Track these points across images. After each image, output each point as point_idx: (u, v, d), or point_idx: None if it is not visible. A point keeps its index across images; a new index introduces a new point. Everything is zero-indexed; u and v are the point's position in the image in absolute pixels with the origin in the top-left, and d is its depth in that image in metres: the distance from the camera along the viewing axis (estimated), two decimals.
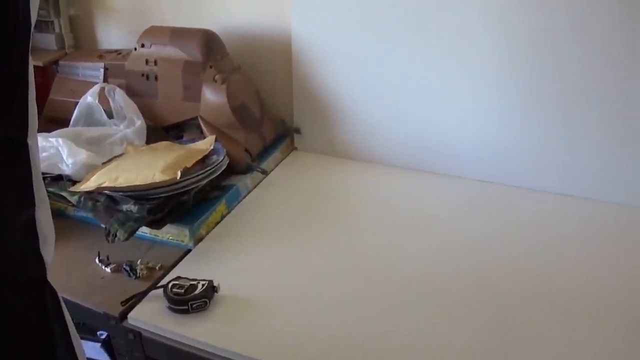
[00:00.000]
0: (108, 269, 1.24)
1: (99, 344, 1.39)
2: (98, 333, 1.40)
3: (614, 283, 1.18)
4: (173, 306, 1.11)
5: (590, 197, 1.44)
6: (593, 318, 1.10)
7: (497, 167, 1.51)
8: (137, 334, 1.12)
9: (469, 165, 1.54)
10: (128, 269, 1.23)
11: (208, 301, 1.12)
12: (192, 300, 1.11)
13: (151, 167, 1.29)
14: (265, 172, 1.54)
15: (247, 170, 1.50)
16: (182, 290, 1.12)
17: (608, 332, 1.07)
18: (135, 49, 1.58)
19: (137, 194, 1.27)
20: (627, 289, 1.17)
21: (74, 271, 1.24)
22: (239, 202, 1.45)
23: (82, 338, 1.26)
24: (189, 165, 1.32)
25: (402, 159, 1.61)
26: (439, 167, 1.57)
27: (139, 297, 1.15)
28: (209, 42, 1.53)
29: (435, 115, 1.52)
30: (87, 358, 1.18)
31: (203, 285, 1.13)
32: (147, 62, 1.56)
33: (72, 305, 1.07)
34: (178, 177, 1.26)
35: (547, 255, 1.27)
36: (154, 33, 1.57)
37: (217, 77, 1.50)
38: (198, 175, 1.30)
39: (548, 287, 1.18)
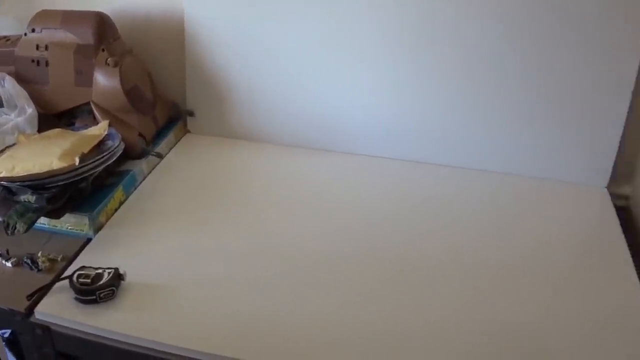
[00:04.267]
0: (9, 264, 1.22)
1: (4, 343, 1.36)
2: (1, 332, 1.37)
3: (514, 250, 1.29)
4: (81, 297, 1.11)
5: (485, 169, 1.56)
6: (499, 284, 1.19)
7: (391, 142, 1.58)
8: (46, 328, 1.11)
9: (363, 142, 1.60)
10: (29, 262, 1.21)
11: (115, 289, 1.13)
12: (100, 289, 1.11)
13: (47, 155, 1.28)
14: (160, 156, 1.55)
15: (142, 154, 1.50)
16: (89, 280, 1.12)
17: (515, 294, 1.17)
18: (25, 34, 1.53)
19: (35, 183, 1.24)
20: (517, 253, 1.27)
21: None
22: (136, 188, 1.45)
23: None
24: (85, 151, 1.31)
25: (296, 138, 1.65)
26: (333, 145, 1.63)
27: (44, 291, 1.14)
28: (102, 24, 1.50)
29: (328, 93, 1.57)
30: None
31: (109, 273, 1.13)
32: (37, 47, 1.52)
33: None
34: (77, 163, 1.25)
35: (446, 227, 1.36)
36: (45, 17, 1.53)
37: (109, 60, 1.49)
38: (95, 161, 1.30)
39: (450, 257, 1.26)
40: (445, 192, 1.48)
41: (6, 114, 1.49)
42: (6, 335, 1.29)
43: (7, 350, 1.31)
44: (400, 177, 1.54)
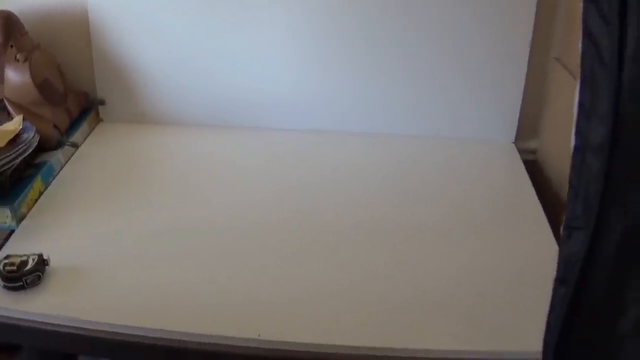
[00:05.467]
0: None
1: None
2: None
3: (429, 209, 1.40)
4: (8, 284, 1.16)
5: (394, 133, 1.66)
6: (415, 242, 1.29)
7: (297, 114, 1.68)
8: None
9: (273, 116, 1.69)
10: None
11: (41, 274, 1.17)
12: (25, 275, 1.15)
13: None
14: (76, 145, 1.59)
15: (57, 145, 1.54)
16: (15, 267, 1.16)
17: (432, 251, 1.27)
18: None
19: None
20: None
21: None
22: (54, 177, 1.50)
23: None
24: (1, 145, 1.35)
25: (207, 118, 1.72)
26: (241, 121, 1.71)
27: None
28: (8, 22, 1.53)
29: (235, 71, 1.65)
30: None
31: (33, 259, 1.17)
32: None
33: None
34: None
35: (360, 193, 1.46)
36: None
37: (18, 55, 1.52)
38: (11, 154, 1.34)
39: (366, 221, 1.36)
40: (355, 159, 1.58)
41: None
42: None
43: None
44: (309, 146, 1.63)
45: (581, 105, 0.65)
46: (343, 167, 1.54)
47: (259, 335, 1.06)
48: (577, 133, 0.65)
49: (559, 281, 0.71)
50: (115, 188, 1.47)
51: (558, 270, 0.71)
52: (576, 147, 0.66)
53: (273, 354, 1.06)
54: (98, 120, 1.77)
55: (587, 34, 0.62)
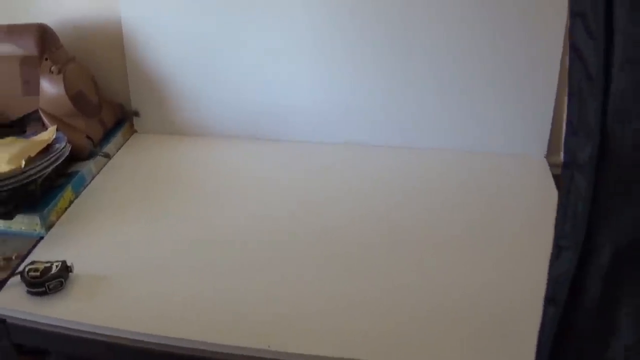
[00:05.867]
0: None
1: None
2: None
3: (458, 223, 1.38)
4: (31, 289, 1.19)
5: (425, 147, 1.65)
6: (445, 255, 1.28)
7: (332, 127, 1.68)
8: (1, 321, 1.18)
9: (302, 128, 1.69)
10: None
11: (64, 280, 1.20)
12: (48, 280, 1.18)
13: None
14: (108, 156, 1.62)
15: (90, 155, 1.58)
16: (38, 273, 1.19)
17: (461, 265, 1.26)
18: None
19: None
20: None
21: None
22: (85, 187, 1.53)
23: None
24: (32, 154, 1.38)
25: (239, 129, 1.73)
26: (275, 134, 1.72)
27: None
28: (44, 35, 1.58)
29: (267, 84, 1.66)
30: None
31: (57, 266, 1.21)
32: None
33: None
34: (22, 166, 1.32)
35: (392, 206, 1.45)
36: None
37: (53, 68, 1.56)
38: (42, 163, 1.37)
39: (397, 234, 1.35)
40: (382, 172, 1.57)
41: None
42: None
43: None
44: (337, 159, 1.63)
45: (569, 121, 0.64)
46: (368, 180, 1.54)
47: (269, 347, 1.07)
48: (566, 150, 0.65)
49: (548, 300, 0.70)
50: (144, 198, 1.50)
51: (547, 290, 0.70)
52: (564, 164, 0.65)
53: None
54: (132, 131, 1.80)
55: (574, 49, 0.61)
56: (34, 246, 1.34)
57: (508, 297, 1.16)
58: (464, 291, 1.18)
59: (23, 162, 1.34)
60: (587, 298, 0.65)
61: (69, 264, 1.23)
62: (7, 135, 1.56)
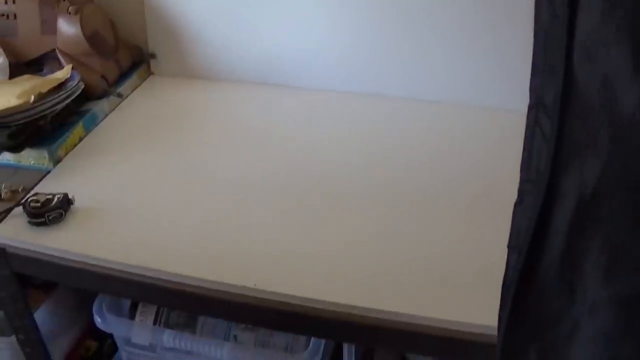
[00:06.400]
0: None
1: None
2: None
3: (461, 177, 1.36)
4: (31, 220, 1.22)
5: (434, 99, 1.62)
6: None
7: (343, 76, 1.66)
8: (2, 250, 1.21)
9: (319, 76, 1.68)
10: None
11: (64, 212, 1.23)
12: (48, 211, 1.21)
13: (7, 95, 1.38)
14: (121, 96, 1.64)
15: (103, 95, 1.59)
16: (39, 204, 1.22)
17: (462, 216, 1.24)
18: None
19: None
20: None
21: None
22: (96, 125, 1.55)
23: None
24: (43, 91, 1.40)
25: (254, 75, 1.73)
26: (292, 80, 1.71)
27: (1, 217, 1.25)
28: None
29: (285, 29, 1.65)
30: None
31: (59, 198, 1.23)
32: (5, 1, 1.61)
33: None
34: (31, 100, 1.34)
35: (376, 151, 1.44)
36: None
37: (70, 8, 1.58)
38: (53, 99, 1.39)
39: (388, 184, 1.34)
40: (386, 123, 1.56)
41: None
42: None
43: None
44: (345, 108, 1.62)
45: (534, 61, 0.62)
46: (372, 130, 1.53)
47: (255, 285, 1.08)
48: (531, 90, 0.62)
49: (511, 248, 0.67)
50: (153, 139, 1.51)
51: (510, 237, 0.67)
52: (530, 106, 0.62)
53: (263, 304, 1.08)
54: (149, 73, 1.81)
55: None
56: (41, 179, 1.36)
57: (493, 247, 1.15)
58: (451, 238, 1.19)
59: (32, 97, 1.36)
60: (550, 248, 0.62)
61: (70, 196, 1.25)
62: (25, 73, 1.58)
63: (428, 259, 1.14)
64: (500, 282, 0.70)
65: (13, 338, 1.41)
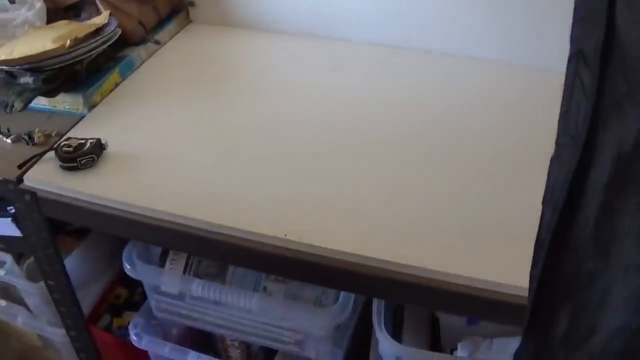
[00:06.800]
0: (8, 140, 1.32)
1: (10, 219, 1.47)
2: (7, 208, 1.48)
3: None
4: (63, 164, 1.21)
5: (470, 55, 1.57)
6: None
7: (391, 29, 1.62)
8: (33, 194, 1.21)
9: (364, 28, 1.64)
10: (27, 137, 1.31)
11: (96, 157, 1.22)
12: (81, 156, 1.21)
13: (43, 40, 1.37)
14: (158, 43, 1.62)
15: (140, 41, 1.58)
16: (71, 149, 1.21)
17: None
18: None
19: (33, 65, 1.33)
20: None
21: None
22: (133, 72, 1.54)
23: None
24: (80, 35, 1.39)
25: (295, 25, 1.70)
26: (331, 32, 1.67)
27: (34, 160, 1.25)
28: None
29: None
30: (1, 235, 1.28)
31: (91, 143, 1.23)
32: None
33: None
34: (67, 45, 1.33)
35: (411, 105, 1.41)
36: None
37: None
38: (89, 44, 1.38)
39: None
40: (423, 77, 1.53)
41: (17, 10, 1.58)
42: (13, 211, 1.40)
43: (13, 225, 1.43)
44: (397, 64, 1.59)
45: (575, 7, 0.59)
46: (412, 83, 1.50)
47: (285, 236, 1.07)
48: (572, 40, 0.59)
49: (546, 203, 0.65)
50: (189, 85, 1.50)
51: (546, 192, 0.65)
52: (570, 56, 0.60)
53: (293, 255, 1.07)
54: (187, 21, 1.79)
55: None
56: (75, 125, 1.35)
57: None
58: (483, 196, 1.16)
59: (68, 42, 1.35)
60: (586, 205, 0.60)
61: (103, 142, 1.24)
62: (62, 19, 1.57)
63: (460, 216, 1.11)
64: (530, 242, 0.68)
65: (42, 284, 1.42)
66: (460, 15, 1.53)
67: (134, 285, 1.61)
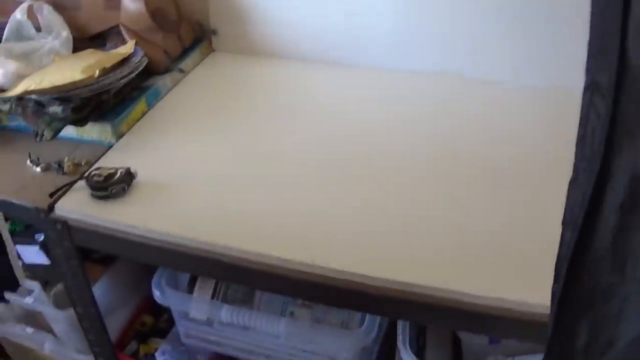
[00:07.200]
0: (38, 169, 1.35)
1: (38, 247, 1.49)
2: (35, 236, 1.51)
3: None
4: (94, 193, 1.23)
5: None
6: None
7: (412, 54, 1.65)
8: (64, 223, 1.23)
9: (378, 56, 1.67)
10: (56, 166, 1.34)
11: (127, 186, 1.24)
12: (111, 185, 1.22)
13: (72, 70, 1.39)
14: (183, 71, 1.65)
15: (166, 70, 1.61)
16: (102, 178, 1.23)
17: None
18: None
19: (62, 95, 1.36)
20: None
21: (7, 173, 1.35)
22: (159, 100, 1.56)
23: (22, 243, 1.38)
24: (107, 65, 1.41)
25: (315, 53, 1.72)
26: (349, 59, 1.70)
27: (65, 189, 1.27)
28: None
29: (346, 9, 1.64)
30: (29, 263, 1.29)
31: (121, 172, 1.25)
32: None
33: (5, 205, 1.21)
34: (96, 75, 1.35)
35: (453, 133, 1.42)
36: None
37: None
38: (117, 74, 1.40)
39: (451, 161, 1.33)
40: (449, 103, 1.55)
41: (44, 39, 1.61)
42: (40, 239, 1.43)
43: (42, 252, 1.45)
44: (407, 88, 1.61)
45: (590, 42, 0.61)
46: (435, 111, 1.51)
47: (313, 261, 1.08)
48: (587, 72, 0.62)
49: (565, 224, 0.68)
50: (214, 113, 1.52)
51: (565, 213, 0.68)
52: (585, 87, 0.62)
53: (321, 280, 1.08)
54: (210, 50, 1.82)
55: None
56: (103, 154, 1.38)
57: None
58: (503, 219, 1.17)
59: (97, 72, 1.37)
60: (602, 224, 0.63)
61: (133, 170, 1.25)
62: (88, 48, 1.60)
63: (481, 238, 1.13)
64: (550, 262, 0.72)
65: (71, 311, 1.44)
66: (480, 38, 1.56)
67: (160, 311, 1.63)
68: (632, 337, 0.63)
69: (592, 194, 0.62)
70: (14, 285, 1.62)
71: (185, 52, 1.72)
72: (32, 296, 1.52)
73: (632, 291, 0.62)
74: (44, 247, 1.47)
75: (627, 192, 0.60)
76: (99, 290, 1.43)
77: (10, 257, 1.58)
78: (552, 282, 0.72)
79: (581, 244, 0.65)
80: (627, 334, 0.64)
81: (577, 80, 0.84)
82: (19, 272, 1.60)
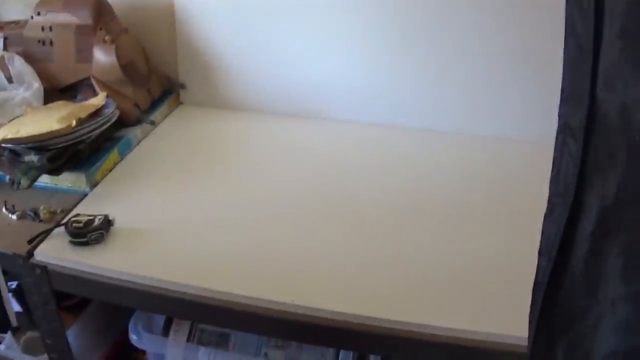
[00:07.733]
0: (14, 217, 1.37)
1: (10, 295, 1.51)
2: (8, 284, 1.52)
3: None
4: (73, 239, 1.26)
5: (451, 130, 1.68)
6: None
7: (366, 108, 1.73)
8: (43, 268, 1.26)
9: (344, 108, 1.75)
10: (32, 214, 1.37)
11: (105, 233, 1.28)
12: (90, 232, 1.26)
13: (48, 120, 1.43)
14: (153, 123, 1.70)
15: (136, 122, 1.65)
16: (81, 225, 1.27)
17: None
18: (32, 17, 1.69)
19: (38, 144, 1.39)
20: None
21: None
22: (130, 151, 1.61)
23: None
24: (83, 116, 1.45)
25: (282, 106, 1.79)
26: (315, 112, 1.77)
27: (43, 236, 1.30)
28: (99, 6, 1.66)
29: (310, 61, 1.72)
30: None
31: (99, 219, 1.28)
32: (42, 29, 1.68)
33: None
34: (73, 125, 1.40)
35: (404, 180, 1.50)
36: (48, 1, 1.69)
37: (106, 37, 1.64)
38: (92, 124, 1.45)
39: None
40: (415, 153, 1.63)
41: (15, 90, 1.65)
42: (13, 286, 1.44)
43: (13, 300, 1.46)
44: (380, 140, 1.69)
45: (563, 89, 0.68)
46: (397, 159, 1.59)
47: (292, 301, 1.13)
48: (559, 115, 0.69)
49: (541, 254, 0.74)
50: (185, 164, 1.57)
51: (541, 244, 0.74)
52: (558, 129, 0.69)
53: (302, 319, 1.14)
54: (178, 102, 1.87)
55: (569, 23, 0.65)
56: (79, 202, 1.41)
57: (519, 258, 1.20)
58: (472, 254, 1.25)
59: (74, 122, 1.41)
60: (576, 253, 0.69)
61: (110, 217, 1.30)
62: (58, 99, 1.64)
63: (451, 274, 1.20)
64: (521, 293, 0.79)
65: (44, 357, 1.45)
66: (443, 93, 1.66)
67: (131, 356, 1.64)
68: (606, 353, 0.68)
69: (566, 225, 0.69)
70: None
71: (154, 105, 1.77)
72: (3, 343, 1.53)
73: (605, 310, 0.67)
74: (17, 294, 1.48)
75: (597, 221, 0.66)
76: (72, 335, 1.45)
77: None
78: (517, 315, 0.79)
79: (557, 271, 0.72)
80: (600, 349, 0.69)
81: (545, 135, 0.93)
82: None
